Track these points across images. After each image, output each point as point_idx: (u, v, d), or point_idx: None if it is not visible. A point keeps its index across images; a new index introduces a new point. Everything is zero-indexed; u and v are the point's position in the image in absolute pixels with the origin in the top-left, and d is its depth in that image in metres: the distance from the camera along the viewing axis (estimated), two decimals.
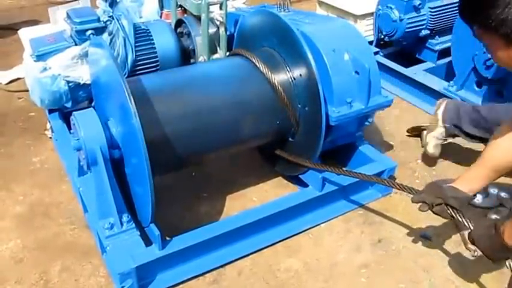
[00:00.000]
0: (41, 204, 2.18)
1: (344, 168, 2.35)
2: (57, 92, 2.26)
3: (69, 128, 2.13)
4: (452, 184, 1.64)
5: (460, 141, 2.67)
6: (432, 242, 1.99)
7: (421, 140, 2.62)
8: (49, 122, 2.57)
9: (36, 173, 2.38)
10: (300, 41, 1.86)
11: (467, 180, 1.63)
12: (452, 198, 1.58)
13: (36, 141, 2.62)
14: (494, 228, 1.42)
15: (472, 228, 1.53)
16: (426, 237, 2.01)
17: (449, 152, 2.57)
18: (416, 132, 2.65)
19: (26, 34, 2.64)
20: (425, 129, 2.62)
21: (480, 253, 1.54)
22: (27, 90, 2.45)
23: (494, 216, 2.10)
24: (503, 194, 2.22)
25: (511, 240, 1.36)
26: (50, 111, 2.52)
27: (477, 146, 2.62)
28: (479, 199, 2.18)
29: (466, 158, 2.53)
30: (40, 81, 2.23)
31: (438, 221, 1.96)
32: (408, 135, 2.69)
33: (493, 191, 2.23)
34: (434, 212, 1.62)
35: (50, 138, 2.61)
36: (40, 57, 2.23)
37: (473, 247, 1.57)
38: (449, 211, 1.58)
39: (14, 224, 2.07)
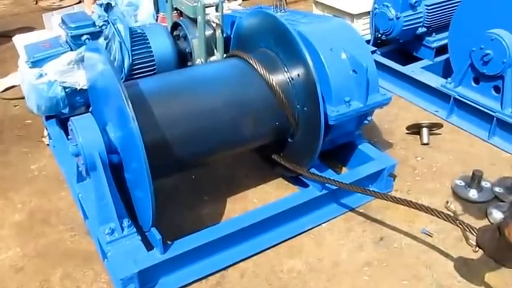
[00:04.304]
0: (40, 212, 2.16)
1: (343, 169, 2.37)
2: (53, 98, 2.25)
3: (66, 134, 2.12)
4: None
5: (461, 137, 2.68)
6: (434, 238, 1.99)
7: (420, 137, 2.62)
8: (46, 128, 2.55)
9: (34, 181, 2.37)
10: (297, 41, 1.86)
11: None
12: None
13: (33, 148, 2.60)
14: (498, 230, 1.42)
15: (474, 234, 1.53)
16: (427, 233, 2.01)
17: (450, 148, 2.57)
18: (415, 129, 2.66)
19: (20, 41, 2.63)
20: (424, 127, 2.62)
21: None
22: (23, 98, 2.44)
23: (494, 211, 2.10)
24: (497, 189, 2.23)
25: None
26: (47, 118, 2.51)
27: (478, 144, 2.62)
28: (474, 194, 2.19)
29: (468, 154, 2.54)
30: (36, 88, 2.22)
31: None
32: (407, 133, 2.69)
33: (486, 184, 2.24)
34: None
35: (48, 145, 2.59)
36: (35, 64, 2.22)
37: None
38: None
39: (13, 232, 2.06)
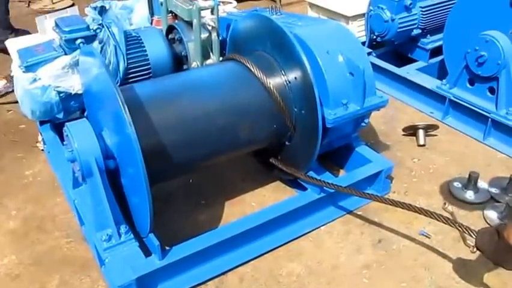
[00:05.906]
0: (35, 218, 2.13)
1: (340, 172, 2.37)
2: (48, 103, 2.22)
3: (61, 139, 2.10)
4: None
5: (456, 138, 2.70)
6: (432, 240, 1.99)
7: (417, 138, 2.63)
8: (41, 134, 2.52)
9: (29, 187, 2.34)
10: (293, 43, 1.86)
11: None
12: None
13: (28, 154, 2.57)
14: (497, 233, 1.43)
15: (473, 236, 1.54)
16: (425, 235, 2.01)
17: (446, 150, 2.58)
18: (412, 131, 2.66)
19: (13, 45, 2.59)
20: (420, 128, 2.63)
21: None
22: (17, 102, 2.41)
23: (490, 212, 2.11)
24: (493, 190, 2.24)
25: None
26: (42, 122, 2.47)
27: (473, 145, 2.64)
28: (471, 195, 2.20)
29: (464, 155, 2.55)
30: (30, 93, 2.19)
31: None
32: (404, 135, 2.70)
33: (482, 185, 2.25)
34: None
35: (42, 150, 2.56)
36: (29, 68, 2.18)
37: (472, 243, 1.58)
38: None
39: (8, 239, 2.02)
